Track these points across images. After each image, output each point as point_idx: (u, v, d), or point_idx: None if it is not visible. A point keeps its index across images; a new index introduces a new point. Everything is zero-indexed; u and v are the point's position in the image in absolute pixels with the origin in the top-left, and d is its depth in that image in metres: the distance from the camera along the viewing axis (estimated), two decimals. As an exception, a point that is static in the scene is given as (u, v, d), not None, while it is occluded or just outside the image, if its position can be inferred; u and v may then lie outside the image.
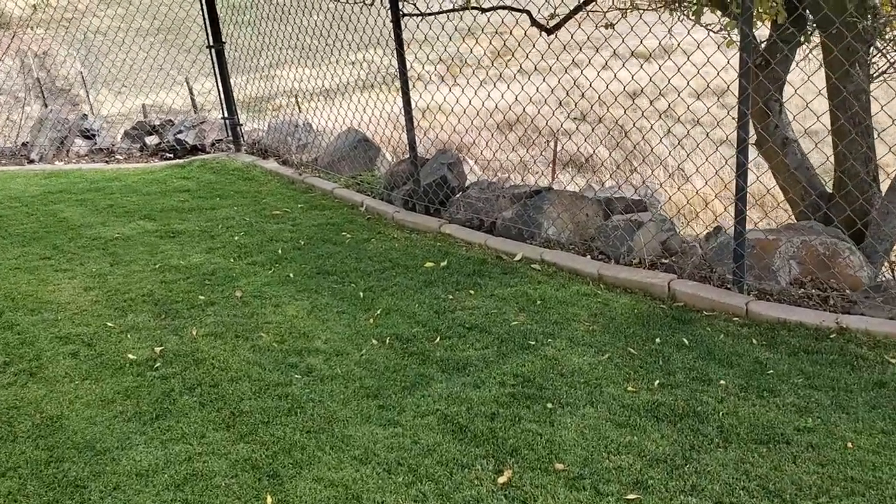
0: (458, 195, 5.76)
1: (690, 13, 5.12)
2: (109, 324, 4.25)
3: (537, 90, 5.94)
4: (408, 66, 5.47)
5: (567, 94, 6.37)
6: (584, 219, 5.16)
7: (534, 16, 6.28)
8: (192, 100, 19.49)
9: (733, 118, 4.07)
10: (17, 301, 4.59)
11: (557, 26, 6.34)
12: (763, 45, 5.12)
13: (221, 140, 8.17)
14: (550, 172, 11.73)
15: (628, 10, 5.47)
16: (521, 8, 6.50)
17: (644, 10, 5.34)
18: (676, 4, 5.24)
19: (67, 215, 6.17)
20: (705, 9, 5.16)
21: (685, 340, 3.80)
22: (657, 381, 3.45)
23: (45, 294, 4.68)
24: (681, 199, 8.03)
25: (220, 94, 7.66)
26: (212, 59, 7.53)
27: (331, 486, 2.89)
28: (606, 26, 5.28)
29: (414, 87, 5.81)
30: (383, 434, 3.18)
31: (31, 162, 8.37)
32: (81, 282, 4.84)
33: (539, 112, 7.07)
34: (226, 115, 7.73)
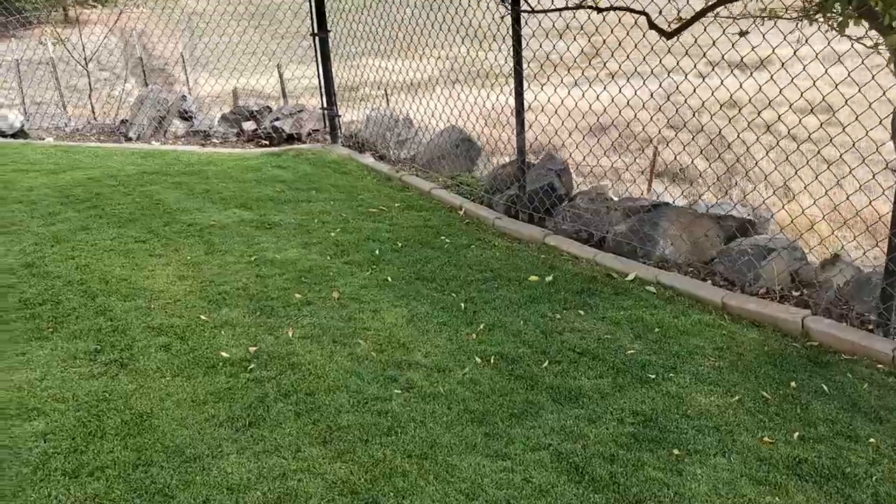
0: (563, 204, 5.45)
1: (835, 24, 4.70)
2: (203, 317, 4.10)
3: (645, 99, 5.59)
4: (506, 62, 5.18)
5: (670, 101, 5.99)
6: (703, 239, 4.79)
7: (654, 18, 5.92)
8: (283, 86, 19.56)
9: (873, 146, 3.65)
10: (110, 285, 4.49)
11: (678, 30, 5.97)
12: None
13: (318, 130, 8.03)
14: (647, 182, 11.27)
15: (763, 18, 5.07)
16: (640, 10, 6.15)
17: (782, 17, 4.92)
18: (820, 15, 4.81)
19: (163, 198, 6.09)
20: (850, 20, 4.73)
21: (824, 387, 3.42)
22: (797, 434, 3.09)
23: (139, 280, 4.56)
24: (784, 218, 7.52)
25: (320, 85, 7.51)
26: (315, 48, 7.38)
27: (435, 523, 2.64)
28: (740, 34, 4.90)
29: (527, 88, 5.51)
30: (491, 467, 2.91)
31: (129, 140, 8.40)
32: (176, 269, 4.71)
33: (644, 120, 6.70)
34: (325, 105, 7.58)
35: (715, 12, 5.59)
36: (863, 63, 4.63)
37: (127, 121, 8.78)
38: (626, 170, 11.21)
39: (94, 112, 10.96)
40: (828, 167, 4.62)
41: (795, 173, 4.89)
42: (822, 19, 4.91)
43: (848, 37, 4.59)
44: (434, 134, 6.95)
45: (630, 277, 4.54)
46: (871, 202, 4.70)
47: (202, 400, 3.37)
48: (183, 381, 3.51)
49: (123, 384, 3.49)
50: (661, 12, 6.07)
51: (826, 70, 4.66)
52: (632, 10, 6.21)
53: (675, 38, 5.92)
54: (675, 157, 11.96)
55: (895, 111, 4.61)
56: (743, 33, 4.92)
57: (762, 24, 4.99)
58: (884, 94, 4.18)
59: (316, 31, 7.27)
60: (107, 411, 3.29)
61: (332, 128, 7.65)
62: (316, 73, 7.63)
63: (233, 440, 3.10)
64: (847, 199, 4.52)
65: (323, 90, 7.50)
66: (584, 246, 4.99)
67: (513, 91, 5.29)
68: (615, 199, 5.45)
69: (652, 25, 6.15)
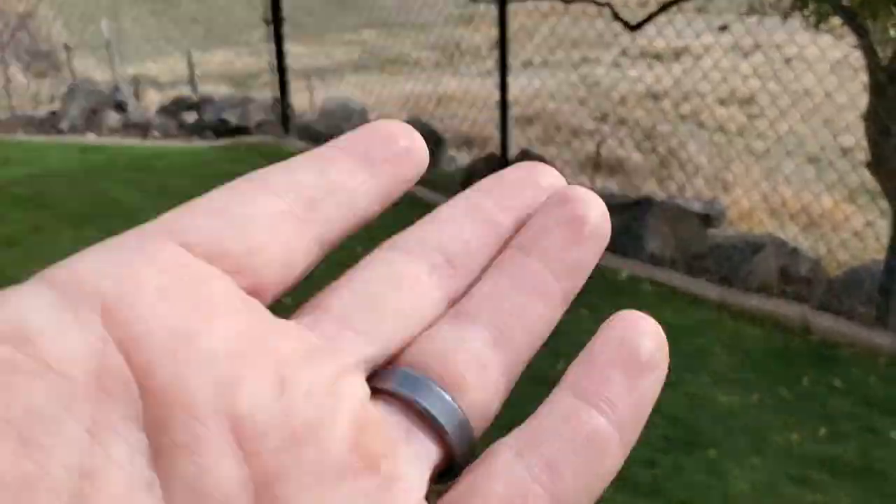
0: (540, 199, 5.41)
1: (813, 21, 4.80)
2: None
3: (567, 89, 5.59)
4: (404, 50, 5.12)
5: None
6: (688, 235, 4.83)
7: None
8: (192, 73, 18.87)
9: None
10: (80, 291, 4.20)
11: (643, 23, 6.01)
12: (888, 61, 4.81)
13: (267, 122, 7.74)
14: (591, 174, 11.38)
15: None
16: (604, 2, 6.16)
17: (766, 14, 5.00)
18: (800, 11, 4.89)
19: (117, 196, 5.76)
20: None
21: (836, 383, 3.48)
22: (822, 431, 3.13)
23: (111, 285, 4.28)
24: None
25: (272, 73, 7.24)
26: (269, 34, 7.11)
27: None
28: (720, 28, 4.96)
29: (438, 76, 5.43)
30: (532, 477, 2.83)
31: (61, 133, 7.93)
32: (149, 273, 4.45)
33: (569, 111, 6.72)
34: (277, 95, 7.31)
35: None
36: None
37: (56, 112, 8.29)
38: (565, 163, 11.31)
39: (10, 98, 10.33)
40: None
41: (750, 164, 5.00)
42: (799, 14, 5.01)
43: (829, 33, 4.69)
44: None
45: (623, 275, 4.53)
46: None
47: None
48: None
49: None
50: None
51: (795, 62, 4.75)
52: (596, 3, 6.23)
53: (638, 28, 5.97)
54: (614, 150, 12.15)
55: (868, 110, 4.75)
56: (722, 28, 4.98)
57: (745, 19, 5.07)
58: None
59: (270, 17, 7.00)
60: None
61: (284, 119, 7.39)
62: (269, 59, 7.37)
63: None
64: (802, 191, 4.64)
65: (276, 80, 7.23)
66: (568, 242, 4.96)
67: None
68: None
69: (616, 17, 6.18)
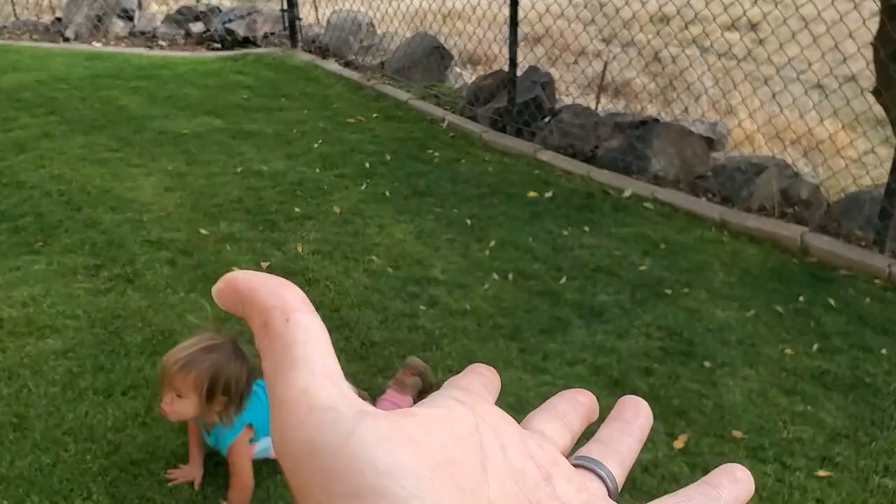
0: (548, 118, 5.42)
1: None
2: (202, 231, 3.95)
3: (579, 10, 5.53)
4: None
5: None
6: (691, 155, 4.86)
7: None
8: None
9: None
10: (93, 196, 4.26)
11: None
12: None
13: (274, 33, 7.67)
14: (596, 96, 11.28)
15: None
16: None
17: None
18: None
19: (124, 104, 5.76)
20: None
21: (831, 301, 3.58)
22: (815, 346, 3.24)
23: (122, 191, 4.35)
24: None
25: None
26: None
27: (491, 437, 2.68)
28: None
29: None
30: (533, 381, 2.95)
31: (67, 40, 7.85)
32: (159, 180, 4.50)
33: (578, 31, 6.64)
34: (285, 7, 7.23)
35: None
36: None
37: (61, 19, 8.19)
38: (573, 81, 11.20)
39: (14, 6, 10.18)
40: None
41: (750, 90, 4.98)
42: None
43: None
44: (403, 41, 6.74)
45: (627, 194, 4.59)
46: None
47: (223, 317, 3.27)
48: (198, 297, 3.40)
49: (135, 300, 3.36)
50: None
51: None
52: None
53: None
54: (621, 70, 11.99)
55: (878, 34, 4.71)
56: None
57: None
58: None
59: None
60: (124, 328, 3.17)
61: (291, 31, 7.32)
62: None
63: (266, 357, 3.03)
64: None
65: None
66: (575, 161, 5.00)
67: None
68: (601, 113, 5.45)
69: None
